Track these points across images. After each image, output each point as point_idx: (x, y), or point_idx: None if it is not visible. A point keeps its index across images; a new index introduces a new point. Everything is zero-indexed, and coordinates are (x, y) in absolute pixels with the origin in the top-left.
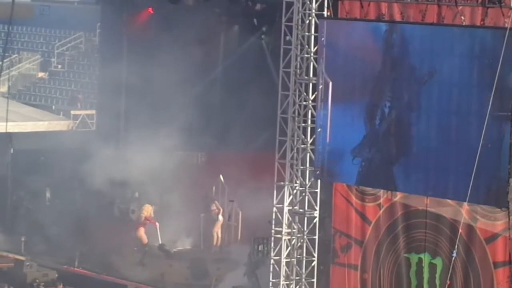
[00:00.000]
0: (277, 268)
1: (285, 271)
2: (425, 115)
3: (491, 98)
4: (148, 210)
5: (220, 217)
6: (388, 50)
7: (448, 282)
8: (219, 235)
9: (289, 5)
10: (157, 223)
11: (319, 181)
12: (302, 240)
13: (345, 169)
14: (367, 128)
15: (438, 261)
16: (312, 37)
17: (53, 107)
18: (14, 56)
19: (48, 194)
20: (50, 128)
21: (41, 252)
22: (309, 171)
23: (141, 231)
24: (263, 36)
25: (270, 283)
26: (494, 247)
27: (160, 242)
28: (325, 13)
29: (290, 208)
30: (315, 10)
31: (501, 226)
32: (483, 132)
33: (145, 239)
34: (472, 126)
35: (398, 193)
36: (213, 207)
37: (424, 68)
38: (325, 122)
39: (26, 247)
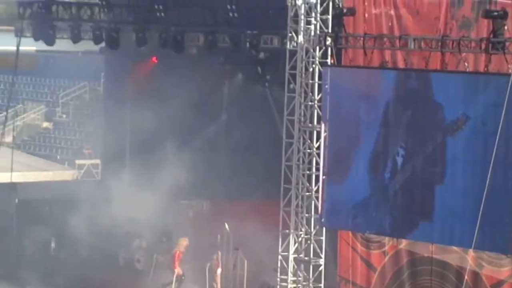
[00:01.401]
0: None
1: None
2: (452, 168)
3: (496, 144)
4: (183, 244)
5: (219, 270)
6: (402, 88)
7: None
8: (217, 287)
9: (293, 53)
10: (179, 270)
11: (324, 228)
12: None
13: (348, 222)
14: (372, 182)
15: None
16: (316, 84)
17: (58, 156)
18: (18, 106)
19: (53, 244)
20: (55, 178)
21: None
22: (314, 218)
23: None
24: (267, 84)
25: None
26: None
27: None
28: (328, 61)
29: (296, 256)
30: (319, 58)
31: (507, 273)
32: (488, 178)
33: (180, 271)
34: (478, 172)
35: (403, 240)
36: (214, 258)
37: (451, 112)
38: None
39: None
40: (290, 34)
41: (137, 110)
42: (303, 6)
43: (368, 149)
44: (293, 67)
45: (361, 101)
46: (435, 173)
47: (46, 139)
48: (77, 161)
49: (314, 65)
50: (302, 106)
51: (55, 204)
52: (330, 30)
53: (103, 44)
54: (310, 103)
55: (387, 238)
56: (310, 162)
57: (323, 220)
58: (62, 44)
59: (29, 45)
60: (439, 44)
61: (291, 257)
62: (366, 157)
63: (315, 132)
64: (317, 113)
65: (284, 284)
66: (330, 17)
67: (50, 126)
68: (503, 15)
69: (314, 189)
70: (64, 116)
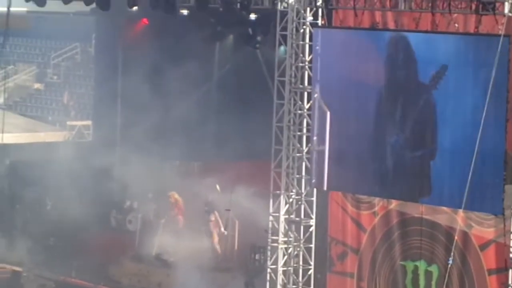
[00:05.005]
0: (274, 277)
1: (282, 280)
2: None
3: (486, 105)
4: (178, 197)
5: (218, 229)
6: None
7: None
8: (216, 246)
9: (284, 14)
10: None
11: (314, 189)
12: (298, 249)
13: (338, 183)
14: (363, 142)
15: (434, 269)
16: (307, 46)
17: (49, 118)
18: (10, 67)
19: (47, 204)
20: (46, 139)
21: (39, 262)
22: (305, 179)
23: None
24: (257, 45)
25: None
26: (488, 254)
27: (157, 252)
28: (319, 22)
29: (287, 216)
30: (310, 19)
31: (494, 233)
32: (478, 138)
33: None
34: (467, 133)
35: (393, 200)
36: (212, 218)
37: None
38: (321, 131)
39: (24, 258)
40: None
41: (128, 71)
42: None
43: (359, 109)
44: (284, 28)
45: (351, 61)
46: (426, 132)
47: (37, 100)
48: (68, 122)
49: (304, 26)
50: (293, 67)
51: (47, 165)
52: None
53: (94, 5)
54: (301, 64)
55: (377, 199)
56: (301, 123)
57: (313, 181)
58: (53, 5)
59: (20, 6)
60: (430, 5)
61: (282, 217)
62: (357, 117)
63: (306, 93)
64: (308, 74)
65: (275, 244)
66: None
67: (42, 87)
68: None
69: (305, 150)
70: (56, 77)
